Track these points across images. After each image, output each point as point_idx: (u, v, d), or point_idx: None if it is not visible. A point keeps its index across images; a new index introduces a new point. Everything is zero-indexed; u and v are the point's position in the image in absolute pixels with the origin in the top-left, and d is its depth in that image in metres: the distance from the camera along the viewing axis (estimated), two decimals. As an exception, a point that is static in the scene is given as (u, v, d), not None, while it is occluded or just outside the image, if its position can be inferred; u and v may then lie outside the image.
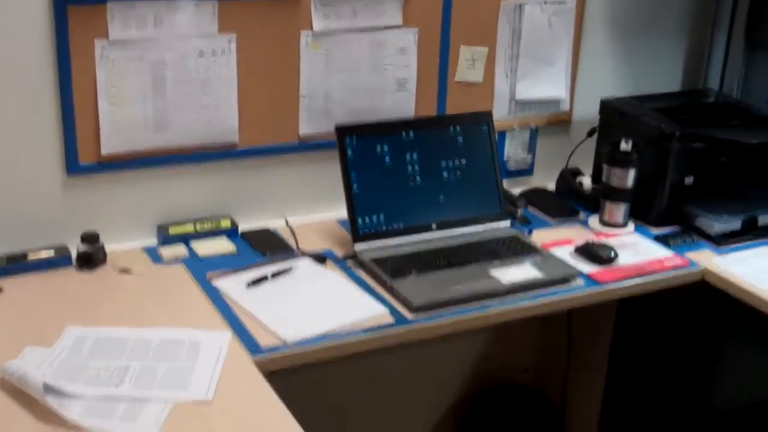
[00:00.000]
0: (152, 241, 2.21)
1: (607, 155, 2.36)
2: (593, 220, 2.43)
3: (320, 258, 2.14)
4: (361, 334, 1.84)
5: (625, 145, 2.35)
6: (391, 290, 1.99)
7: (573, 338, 2.68)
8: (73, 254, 2.08)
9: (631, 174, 2.34)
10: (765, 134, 2.46)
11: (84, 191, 2.12)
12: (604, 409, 2.66)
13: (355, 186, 2.16)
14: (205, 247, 2.16)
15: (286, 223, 2.31)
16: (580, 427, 2.72)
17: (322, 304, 1.95)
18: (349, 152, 2.16)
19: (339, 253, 2.18)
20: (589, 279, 2.12)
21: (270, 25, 2.18)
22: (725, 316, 2.61)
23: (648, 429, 2.68)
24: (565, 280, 2.09)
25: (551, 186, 2.64)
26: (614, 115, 2.52)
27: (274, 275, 2.03)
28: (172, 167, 2.19)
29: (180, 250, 2.15)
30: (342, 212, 2.34)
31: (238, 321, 1.86)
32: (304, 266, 2.10)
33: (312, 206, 2.38)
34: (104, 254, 2.09)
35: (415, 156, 2.23)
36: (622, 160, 2.34)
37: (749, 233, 2.38)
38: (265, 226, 2.30)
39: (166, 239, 2.18)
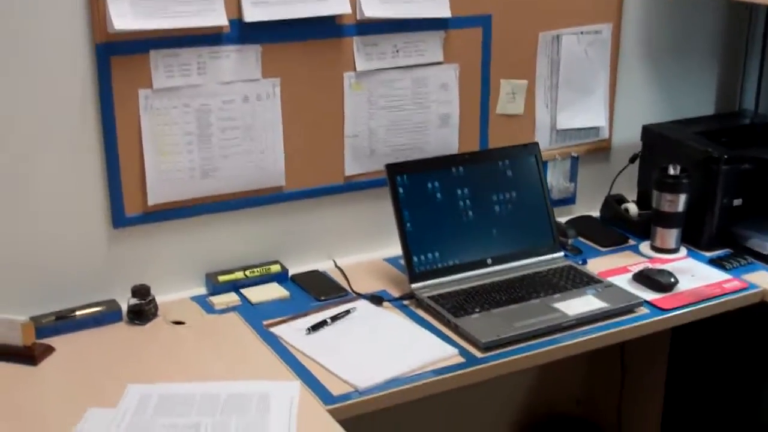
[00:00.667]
0: (201, 290, 2.16)
1: (656, 181, 2.33)
2: (644, 247, 2.39)
3: (377, 299, 2.09)
4: (432, 376, 1.80)
5: (674, 170, 2.32)
6: (456, 329, 1.94)
7: (626, 366, 2.63)
8: (124, 308, 2.03)
9: (682, 199, 2.31)
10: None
11: (131, 243, 2.08)
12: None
13: (408, 224, 2.12)
14: (257, 294, 2.12)
15: (335, 264, 2.27)
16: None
17: (388, 346, 1.90)
18: (401, 190, 2.13)
19: (395, 293, 2.14)
20: (653, 306, 2.08)
21: (313, 67, 2.15)
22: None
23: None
24: (630, 310, 2.05)
25: (594, 214, 2.61)
26: (657, 141, 2.50)
27: (334, 319, 1.99)
28: (219, 214, 2.15)
29: (232, 298, 2.11)
30: (389, 250, 2.33)
31: (304, 369, 1.81)
32: (361, 308, 2.05)
33: (359, 246, 2.34)
34: (156, 307, 2.04)
35: (466, 191, 2.19)
36: (672, 185, 2.31)
37: (803, 252, 2.34)
38: (315, 269, 2.26)
39: (216, 288, 2.13)
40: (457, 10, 2.26)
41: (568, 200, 2.61)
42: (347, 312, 2.02)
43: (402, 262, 2.28)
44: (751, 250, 2.35)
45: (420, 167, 2.17)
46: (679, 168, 2.32)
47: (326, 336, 1.93)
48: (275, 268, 2.20)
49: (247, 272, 2.17)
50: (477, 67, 2.36)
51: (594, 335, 1.96)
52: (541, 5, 2.40)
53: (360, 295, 2.12)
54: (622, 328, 2.00)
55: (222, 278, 2.15)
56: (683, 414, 2.60)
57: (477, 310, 2.00)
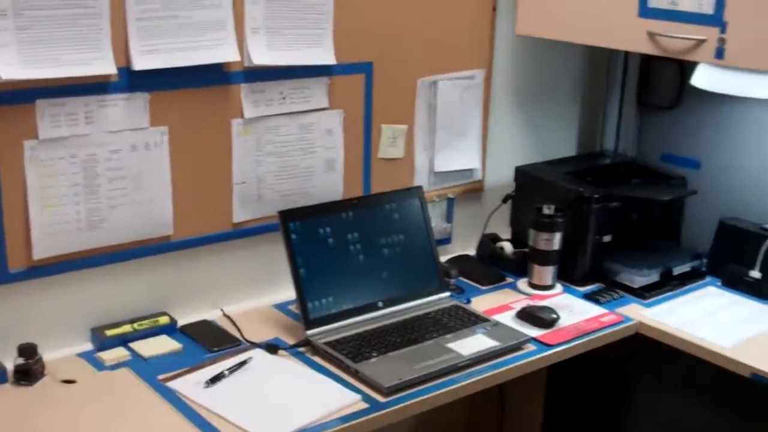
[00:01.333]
0: (88, 345, 2.09)
1: (533, 221, 2.44)
2: (522, 284, 2.49)
3: (272, 347, 2.09)
4: (339, 424, 1.81)
5: (548, 210, 2.44)
6: (356, 374, 1.97)
7: (505, 403, 2.72)
8: (9, 368, 1.94)
9: (558, 237, 2.43)
10: (672, 190, 2.62)
11: (15, 300, 1.99)
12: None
13: (302, 270, 2.13)
14: (148, 348, 2.07)
15: (223, 313, 2.26)
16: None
17: (291, 396, 1.90)
18: (294, 237, 2.13)
19: (288, 340, 2.14)
20: (539, 342, 2.17)
21: (201, 114, 2.14)
22: (644, 366, 2.74)
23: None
24: (518, 347, 2.13)
25: (470, 252, 2.69)
26: (530, 181, 2.61)
27: (231, 370, 1.97)
28: (106, 267, 2.10)
29: (121, 353, 2.05)
30: (277, 296, 2.34)
31: (208, 424, 1.78)
32: (257, 358, 2.04)
33: (248, 293, 2.33)
34: (43, 366, 1.96)
35: (356, 235, 2.23)
36: (548, 225, 2.42)
37: (668, 284, 2.50)
38: (204, 318, 2.23)
39: (103, 343, 2.06)
40: (340, 58, 2.30)
41: (445, 240, 2.69)
42: (244, 362, 2.00)
43: (290, 308, 2.31)
44: (621, 284, 2.48)
45: (311, 213, 2.18)
46: (553, 207, 2.44)
47: (226, 388, 1.91)
48: (164, 320, 2.16)
49: (135, 325, 2.12)
50: (360, 113, 2.40)
51: (489, 373, 2.03)
52: (419, 52, 2.47)
53: (254, 344, 2.11)
54: (514, 365, 2.08)
55: (109, 332, 2.09)
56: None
57: (374, 354, 2.03)
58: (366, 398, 1.89)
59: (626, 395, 2.92)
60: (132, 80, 2.01)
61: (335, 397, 1.89)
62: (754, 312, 2.38)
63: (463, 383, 1.98)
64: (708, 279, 2.58)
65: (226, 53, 2.12)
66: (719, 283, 2.55)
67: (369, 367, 1.97)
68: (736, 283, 2.51)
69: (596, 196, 2.46)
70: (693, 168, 2.74)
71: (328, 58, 2.28)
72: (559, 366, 2.49)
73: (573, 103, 2.90)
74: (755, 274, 2.48)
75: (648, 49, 2.31)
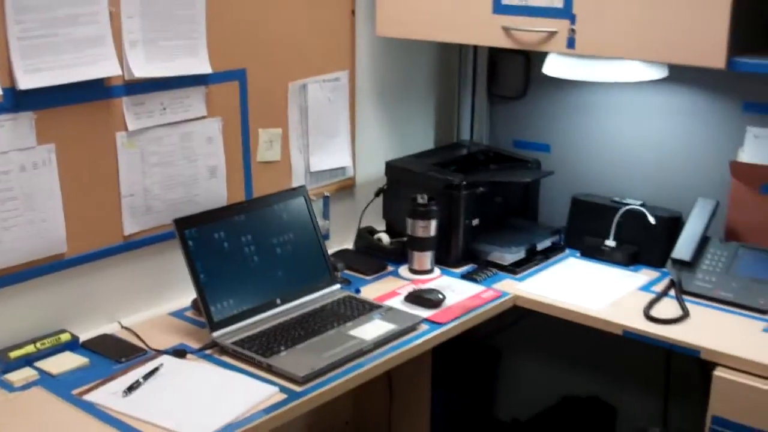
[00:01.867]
0: (-9, 370, 2.06)
1: (410, 210, 2.58)
2: (403, 270, 2.63)
3: (179, 352, 2.13)
4: (263, 415, 1.88)
5: (422, 199, 2.59)
6: (269, 368, 2.04)
7: (393, 386, 2.84)
8: None
9: (433, 224, 2.58)
10: (530, 173, 2.83)
11: None
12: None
13: (202, 275, 2.18)
14: (55, 365, 2.06)
15: (121, 325, 2.27)
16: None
17: (211, 396, 1.95)
18: (191, 243, 2.18)
19: (193, 344, 2.18)
20: (431, 322, 2.31)
21: (87, 130, 2.15)
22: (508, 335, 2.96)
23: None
24: (413, 328, 2.26)
25: (349, 246, 2.81)
26: (400, 174, 2.76)
27: (146, 377, 2.00)
28: (3, 289, 2.07)
29: (28, 373, 2.03)
30: (173, 304, 2.37)
31: (135, 430, 1.81)
32: (168, 363, 2.08)
33: (144, 304, 2.36)
34: (-52, 395, 1.93)
35: (249, 237, 2.30)
36: (424, 213, 2.57)
37: (534, 259, 2.71)
38: (104, 332, 2.24)
39: (8, 365, 2.04)
40: (215, 66, 2.36)
41: (324, 237, 2.78)
42: (156, 369, 2.04)
43: (187, 314, 2.35)
44: (492, 262, 2.67)
45: (206, 219, 2.24)
46: (426, 197, 2.59)
47: (145, 395, 1.94)
48: (65, 337, 2.15)
49: (38, 344, 2.11)
50: (237, 119, 2.47)
51: (392, 354, 2.15)
52: (288, 57, 2.57)
53: (160, 351, 2.14)
54: (413, 344, 2.21)
55: (13, 354, 2.06)
56: (449, 425, 2.88)
57: (282, 348, 2.11)
58: (283, 389, 1.97)
59: (498, 368, 3.14)
60: (17, 100, 2.00)
61: (253, 391, 1.96)
62: (614, 277, 2.62)
63: (371, 365, 2.10)
64: (568, 251, 2.80)
65: (106, 68, 2.14)
66: (578, 254, 2.78)
67: (280, 360, 2.05)
68: (594, 252, 2.74)
69: (464, 183, 2.63)
70: (544, 151, 2.97)
71: (203, 67, 2.34)
72: (441, 348, 2.65)
73: (430, 98, 3.08)
74: (610, 243, 2.72)
75: (504, 43, 2.50)
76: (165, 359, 2.10)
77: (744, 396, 2.11)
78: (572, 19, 2.35)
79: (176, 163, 2.35)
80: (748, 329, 2.28)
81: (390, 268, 2.67)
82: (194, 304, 2.35)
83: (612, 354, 2.89)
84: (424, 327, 2.29)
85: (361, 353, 2.12)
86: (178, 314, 2.36)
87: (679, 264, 2.53)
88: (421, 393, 2.80)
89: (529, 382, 3.13)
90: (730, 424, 2.13)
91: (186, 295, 2.36)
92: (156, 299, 2.38)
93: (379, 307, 2.35)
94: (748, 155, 2.57)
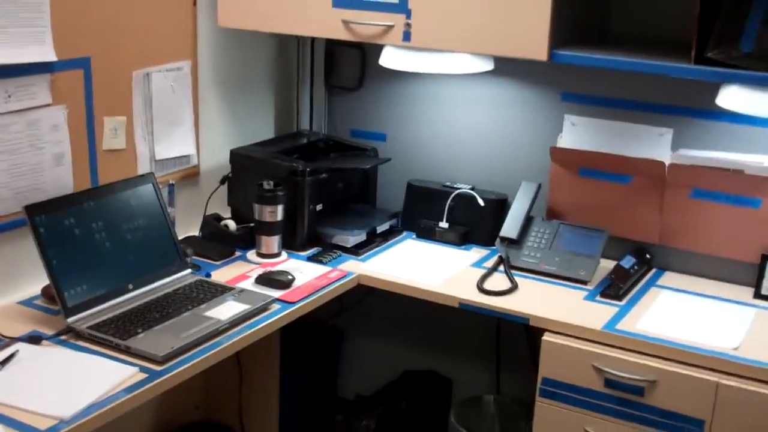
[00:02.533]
0: None
1: (257, 196, 2.66)
2: (252, 255, 2.72)
3: (34, 339, 2.13)
4: (125, 395, 1.93)
5: (268, 185, 2.68)
6: (127, 350, 2.08)
7: (243, 369, 2.92)
8: None
9: (280, 209, 2.68)
10: (369, 160, 2.98)
11: None
12: (282, 425, 2.93)
13: (54, 262, 2.19)
14: None
15: (-33, 317, 2.25)
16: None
17: (72, 378, 1.97)
18: (42, 230, 2.18)
19: (47, 331, 2.19)
20: (283, 301, 2.41)
21: (-70, 116, 2.12)
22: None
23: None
24: (266, 308, 2.36)
25: (195, 233, 2.86)
26: (245, 162, 2.84)
27: (2, 363, 2.00)
28: None
29: None
30: (20, 294, 2.37)
31: (-2, 414, 1.83)
32: (24, 350, 2.08)
33: (-11, 294, 2.33)
34: None
35: (100, 224, 2.32)
36: (271, 198, 2.66)
37: (374, 241, 2.86)
38: (-50, 325, 2.21)
39: None
40: (60, 54, 2.36)
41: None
42: (12, 356, 2.03)
43: (37, 302, 2.35)
44: (336, 245, 2.79)
45: (56, 205, 2.24)
46: (272, 183, 2.69)
47: (3, 381, 1.94)
48: None
49: None
50: (82, 107, 2.48)
51: (249, 332, 2.24)
52: (132, 46, 2.59)
53: (14, 339, 2.13)
54: (267, 322, 2.31)
55: None
56: (297, 405, 2.98)
57: (140, 330, 2.15)
58: (143, 369, 2.02)
59: (342, 348, 3.28)
60: None
61: (113, 372, 2.00)
62: (448, 255, 2.80)
63: (228, 343, 2.18)
64: (405, 234, 2.97)
65: (-50, 55, 2.12)
66: (414, 236, 2.95)
67: (138, 341, 2.10)
68: (429, 234, 2.92)
69: (308, 169, 2.74)
70: (380, 140, 3.12)
71: (48, 55, 2.34)
72: (287, 331, 2.75)
73: (270, 89, 3.17)
74: (443, 224, 2.91)
75: (344, 35, 2.63)
76: (20, 346, 2.10)
77: (569, 357, 2.33)
78: (408, 13, 2.51)
79: (22, 151, 2.33)
80: (571, 298, 2.52)
81: (238, 253, 2.74)
82: (44, 292, 2.34)
83: (447, 329, 3.09)
84: (276, 306, 2.39)
85: (218, 332, 2.19)
86: (27, 303, 2.35)
87: (507, 241, 2.74)
88: (270, 376, 2.89)
89: (372, 360, 3.28)
90: (558, 383, 2.36)
91: (34, 284, 2.35)
92: (3, 289, 2.35)
93: (231, 289, 2.42)
94: (566, 141, 2.81)
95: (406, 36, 2.54)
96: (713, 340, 2.27)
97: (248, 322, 2.28)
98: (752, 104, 2.29)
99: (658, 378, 2.23)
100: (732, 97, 2.32)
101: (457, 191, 2.90)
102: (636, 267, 2.61)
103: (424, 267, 2.71)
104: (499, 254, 2.73)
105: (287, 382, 2.91)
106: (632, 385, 2.26)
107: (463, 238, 2.89)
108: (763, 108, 2.29)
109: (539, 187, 2.81)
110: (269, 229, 2.69)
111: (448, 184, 2.96)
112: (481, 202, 2.85)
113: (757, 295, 2.56)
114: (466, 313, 2.52)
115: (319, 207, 2.82)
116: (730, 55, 2.20)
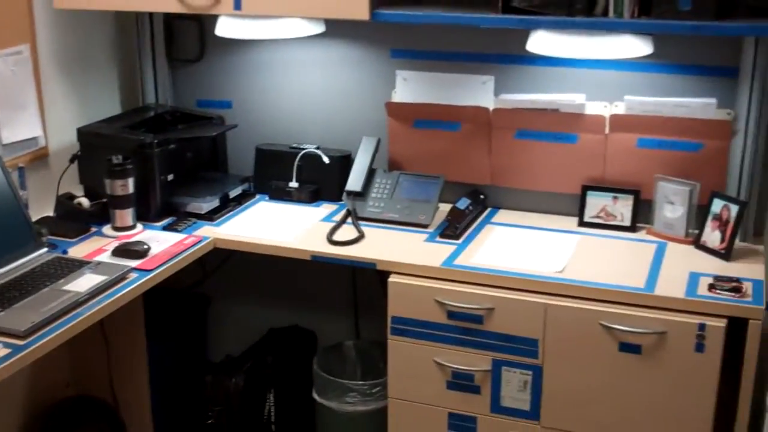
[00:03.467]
0: None
1: (107, 171, 2.74)
2: (107, 230, 2.79)
3: None
4: (-2, 366, 2.02)
5: (117, 160, 2.76)
6: (-12, 329, 2.16)
7: (109, 339, 3.00)
8: None
9: (131, 182, 2.76)
10: (216, 127, 3.09)
11: None
12: (153, 393, 3.04)
13: None
14: None
15: None
16: (135, 416, 3.06)
17: (-67, 360, 2.04)
18: None
19: None
20: (140, 270, 2.52)
21: None
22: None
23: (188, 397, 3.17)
24: (124, 277, 2.46)
25: (50, 213, 2.91)
26: (93, 139, 2.90)
27: None
28: None
29: None
30: None
31: None
32: None
33: None
34: None
35: (-50, 210, 2.36)
36: (121, 172, 2.74)
37: (228, 206, 2.98)
38: None
39: None
40: None
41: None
42: None
43: None
44: (190, 213, 2.90)
45: None
46: (121, 157, 2.77)
47: None
48: None
49: None
50: None
51: (108, 301, 2.34)
52: (-35, 34, 2.62)
53: None
54: (126, 290, 2.41)
55: None
56: (166, 373, 3.09)
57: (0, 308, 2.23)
58: (6, 345, 2.10)
59: (209, 314, 3.40)
60: None
61: (-24, 350, 2.08)
62: (299, 213, 2.95)
63: (88, 314, 2.27)
64: (258, 197, 3.10)
65: None
66: (267, 198, 3.09)
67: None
68: (281, 194, 3.06)
69: (156, 141, 2.84)
70: (226, 108, 3.23)
71: None
72: (153, 301, 2.85)
73: (113, 66, 3.23)
74: (293, 184, 3.06)
75: (176, 8, 2.72)
76: None
77: (414, 295, 2.52)
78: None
79: None
80: (413, 241, 2.71)
81: (94, 229, 2.81)
82: None
83: (307, 285, 3.25)
84: (134, 275, 2.49)
85: (78, 304, 2.29)
86: None
87: (353, 195, 2.91)
88: (137, 346, 2.97)
89: (238, 322, 3.41)
90: (406, 320, 2.55)
91: None
92: None
93: (88, 263, 2.51)
94: (399, 96, 2.99)
95: (237, 4, 2.65)
96: (541, 267, 2.50)
97: (107, 292, 2.38)
98: (558, 47, 2.51)
99: (495, 305, 2.45)
100: (539, 42, 2.54)
101: (304, 151, 3.04)
102: (471, 208, 2.82)
103: (277, 226, 2.85)
104: (347, 207, 2.90)
105: (155, 350, 3.00)
106: (472, 315, 2.47)
107: (313, 196, 3.04)
108: (568, 49, 2.51)
109: (379, 141, 2.98)
110: (122, 202, 2.77)
111: (294, 145, 3.10)
112: (326, 160, 3.00)
113: (581, 222, 2.81)
114: (322, 266, 2.68)
115: (170, 177, 2.91)
116: (532, 3, 2.42)
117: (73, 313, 2.26)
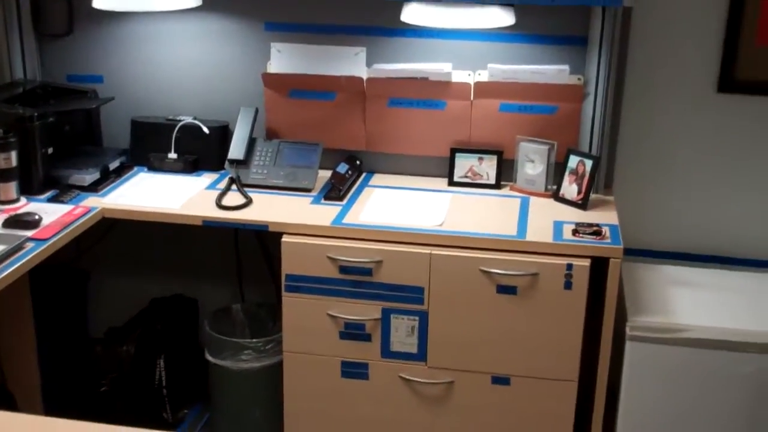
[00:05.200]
0: None
1: (-11, 145, 2.74)
2: (-12, 204, 2.79)
3: None
4: None
5: (-1, 133, 2.76)
6: None
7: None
8: None
9: (14, 155, 2.76)
10: (92, 101, 3.11)
11: None
12: (43, 371, 3.05)
13: None
14: None
15: None
16: (25, 389, 3.05)
17: None
18: None
19: None
20: (37, 239, 2.54)
21: None
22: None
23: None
24: (21, 247, 2.48)
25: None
26: (-31, 115, 2.87)
27: None
28: None
29: None
30: None
31: None
32: None
33: None
34: None
35: None
36: (3, 145, 2.73)
37: (109, 177, 3.02)
38: None
39: None
40: None
41: None
42: None
43: None
44: (73, 185, 2.93)
45: None
46: (2, 131, 2.76)
47: None
48: None
49: None
50: None
51: (12, 268, 2.36)
52: None
53: None
54: (26, 259, 2.42)
55: None
56: (54, 348, 3.10)
57: None
58: None
59: (88, 288, 3.42)
60: None
61: None
62: (182, 183, 3.03)
63: (-8, 281, 2.30)
64: (136, 169, 3.16)
65: None
66: (146, 170, 3.15)
67: None
68: (160, 165, 3.13)
69: (35, 114, 2.84)
70: (98, 82, 3.25)
71: None
72: (37, 275, 2.87)
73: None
74: (172, 155, 3.13)
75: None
76: None
77: (306, 253, 2.68)
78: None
79: None
80: (300, 204, 2.86)
81: (-31, 206, 2.80)
82: None
83: (189, 253, 3.33)
84: (31, 244, 2.51)
85: (-25, 274, 2.31)
86: None
87: (235, 163, 3.03)
88: (24, 321, 2.97)
89: (120, 295, 3.43)
90: (300, 277, 2.70)
91: None
92: None
93: (-17, 235, 2.51)
94: (275, 67, 3.12)
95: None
96: (423, 221, 2.71)
97: (6, 262, 2.39)
98: (430, 17, 2.72)
99: (383, 258, 2.64)
100: (413, 13, 2.74)
101: (181, 123, 3.12)
102: (350, 172, 3.00)
103: (163, 195, 2.92)
104: (230, 176, 3.01)
105: (39, 324, 3.01)
106: (362, 268, 2.65)
107: (193, 166, 3.12)
108: (439, 20, 2.72)
109: (257, 111, 3.10)
110: (5, 175, 2.77)
111: (171, 117, 3.17)
112: (206, 130, 3.09)
113: (450, 182, 3.05)
114: (204, 234, 2.79)
115: (50, 150, 2.93)
116: (407, -24, 2.61)
117: (-24, 283, 2.28)
